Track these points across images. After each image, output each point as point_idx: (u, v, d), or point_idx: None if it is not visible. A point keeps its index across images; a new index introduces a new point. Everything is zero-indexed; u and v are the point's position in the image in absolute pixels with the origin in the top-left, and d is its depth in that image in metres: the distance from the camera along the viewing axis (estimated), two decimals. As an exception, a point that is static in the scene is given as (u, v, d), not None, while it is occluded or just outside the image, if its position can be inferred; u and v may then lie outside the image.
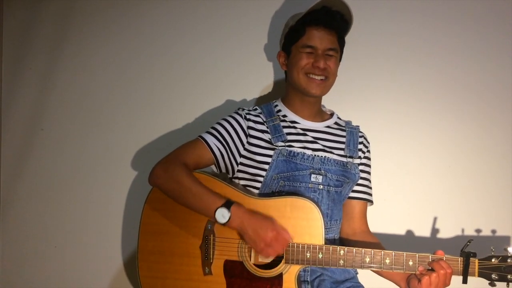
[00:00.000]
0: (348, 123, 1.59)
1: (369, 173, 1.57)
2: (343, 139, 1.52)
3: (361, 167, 1.54)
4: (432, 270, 1.26)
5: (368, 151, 1.58)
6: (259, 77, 1.81)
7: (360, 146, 1.54)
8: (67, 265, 1.87)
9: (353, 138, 1.53)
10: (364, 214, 1.56)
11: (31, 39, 1.90)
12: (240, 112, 1.48)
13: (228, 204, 1.29)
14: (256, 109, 1.51)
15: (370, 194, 1.57)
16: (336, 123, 1.56)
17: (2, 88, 1.92)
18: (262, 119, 1.48)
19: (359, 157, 1.53)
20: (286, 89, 1.56)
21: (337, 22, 1.44)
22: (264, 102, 1.56)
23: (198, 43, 1.84)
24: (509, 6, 1.74)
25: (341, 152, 1.49)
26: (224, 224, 1.29)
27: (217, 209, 1.29)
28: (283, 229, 1.31)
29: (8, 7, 1.91)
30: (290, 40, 1.48)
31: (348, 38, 1.54)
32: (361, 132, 1.57)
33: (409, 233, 1.77)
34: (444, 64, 1.76)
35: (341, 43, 1.51)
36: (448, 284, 1.27)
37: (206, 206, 1.31)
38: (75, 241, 1.87)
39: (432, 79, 1.77)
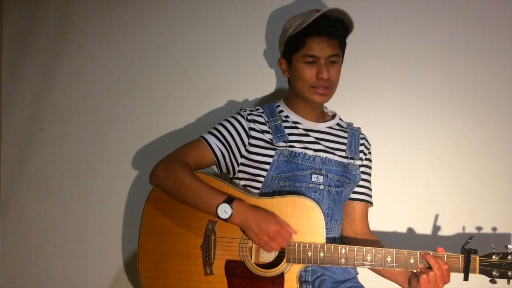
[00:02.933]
0: (349, 125, 1.59)
1: (369, 174, 1.58)
2: (345, 141, 1.52)
3: (362, 169, 1.54)
4: (430, 268, 1.27)
5: (369, 153, 1.58)
6: (261, 77, 1.81)
7: (362, 148, 1.54)
8: (67, 265, 1.87)
9: (354, 140, 1.53)
10: (365, 215, 1.56)
11: (31, 39, 1.90)
12: (242, 113, 1.48)
13: (229, 200, 1.29)
14: (258, 109, 1.51)
15: (370, 196, 1.57)
16: (338, 124, 1.56)
17: (2, 88, 1.92)
18: (264, 119, 1.48)
19: (360, 159, 1.53)
20: (289, 93, 1.55)
21: (337, 30, 1.41)
22: (266, 102, 1.56)
23: (200, 43, 1.84)
24: (509, 6, 1.74)
25: (342, 154, 1.49)
26: (226, 220, 1.29)
27: (218, 205, 1.28)
28: (286, 223, 1.31)
29: (8, 7, 1.90)
30: (290, 49, 1.45)
31: (348, 38, 1.53)
32: (363, 134, 1.58)
33: (411, 231, 1.77)
34: (444, 64, 1.77)
35: (342, 47, 1.48)
36: (448, 281, 1.27)
37: (207, 203, 1.31)
38: (75, 241, 1.87)
39: (432, 79, 1.77)
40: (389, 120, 1.78)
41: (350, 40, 1.52)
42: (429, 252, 1.29)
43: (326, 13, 1.38)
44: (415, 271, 1.31)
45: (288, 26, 1.45)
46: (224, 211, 1.28)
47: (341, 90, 1.73)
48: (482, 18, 1.75)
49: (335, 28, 1.40)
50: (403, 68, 1.78)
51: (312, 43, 1.39)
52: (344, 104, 1.75)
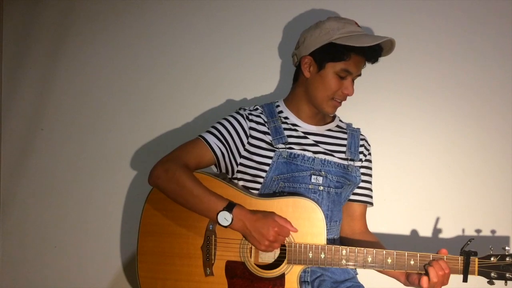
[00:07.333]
0: (349, 125, 1.59)
1: (370, 175, 1.57)
2: (344, 142, 1.51)
3: (362, 170, 1.53)
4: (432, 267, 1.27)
5: (369, 154, 1.57)
6: (259, 76, 1.81)
7: (361, 149, 1.54)
8: (67, 265, 1.88)
9: (354, 141, 1.53)
10: (364, 216, 1.56)
11: (31, 39, 1.90)
12: (241, 112, 1.47)
13: (230, 206, 1.29)
14: (257, 108, 1.50)
15: (371, 197, 1.57)
16: (337, 126, 1.55)
17: (2, 88, 1.92)
18: (264, 120, 1.47)
19: (360, 160, 1.53)
20: (294, 92, 1.51)
21: (376, 55, 1.43)
22: (264, 102, 1.55)
23: (199, 43, 1.84)
24: (509, 6, 1.74)
25: (342, 155, 1.49)
26: (226, 227, 1.29)
27: (219, 212, 1.28)
28: (284, 220, 1.30)
29: (8, 7, 1.91)
30: (328, 56, 1.39)
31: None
32: (362, 135, 1.57)
33: (411, 232, 1.77)
34: (444, 64, 1.76)
35: None
36: (446, 283, 1.28)
37: (207, 209, 1.30)
38: (75, 241, 1.87)
39: (432, 79, 1.77)
40: (390, 120, 1.78)
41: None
42: (430, 254, 1.29)
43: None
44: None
45: (331, 30, 1.39)
46: (225, 218, 1.28)
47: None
48: (482, 18, 1.74)
49: (376, 53, 1.42)
50: (403, 68, 1.77)
51: (355, 60, 1.39)
52: (344, 105, 1.74)
